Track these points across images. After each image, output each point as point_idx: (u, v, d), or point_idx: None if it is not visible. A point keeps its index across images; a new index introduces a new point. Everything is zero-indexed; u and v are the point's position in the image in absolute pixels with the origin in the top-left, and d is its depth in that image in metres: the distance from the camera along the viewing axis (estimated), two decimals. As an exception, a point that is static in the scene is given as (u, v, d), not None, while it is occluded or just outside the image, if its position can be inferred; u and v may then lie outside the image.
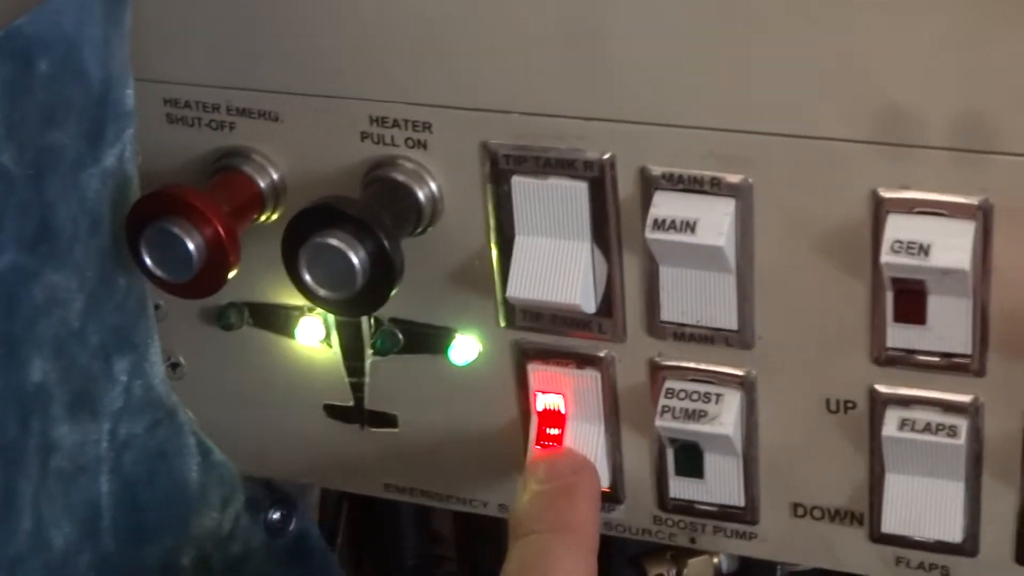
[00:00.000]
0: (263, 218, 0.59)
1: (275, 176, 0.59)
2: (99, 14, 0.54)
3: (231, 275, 0.56)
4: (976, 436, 0.54)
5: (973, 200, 0.50)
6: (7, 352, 0.55)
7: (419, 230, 0.57)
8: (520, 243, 0.56)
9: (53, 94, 0.54)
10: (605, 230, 0.55)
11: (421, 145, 0.56)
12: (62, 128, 0.54)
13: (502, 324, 0.59)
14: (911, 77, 0.49)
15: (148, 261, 0.56)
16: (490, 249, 0.57)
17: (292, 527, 0.69)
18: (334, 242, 0.53)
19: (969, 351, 0.53)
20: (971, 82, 0.49)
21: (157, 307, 0.62)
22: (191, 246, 0.55)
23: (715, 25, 0.51)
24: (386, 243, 0.54)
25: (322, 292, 0.55)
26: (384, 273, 0.54)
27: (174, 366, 0.65)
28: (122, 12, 0.55)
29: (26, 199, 0.54)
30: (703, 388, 0.57)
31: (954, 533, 0.55)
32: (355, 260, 0.53)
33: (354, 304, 0.55)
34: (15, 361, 0.55)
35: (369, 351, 0.62)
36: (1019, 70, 0.48)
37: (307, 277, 0.54)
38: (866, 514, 0.58)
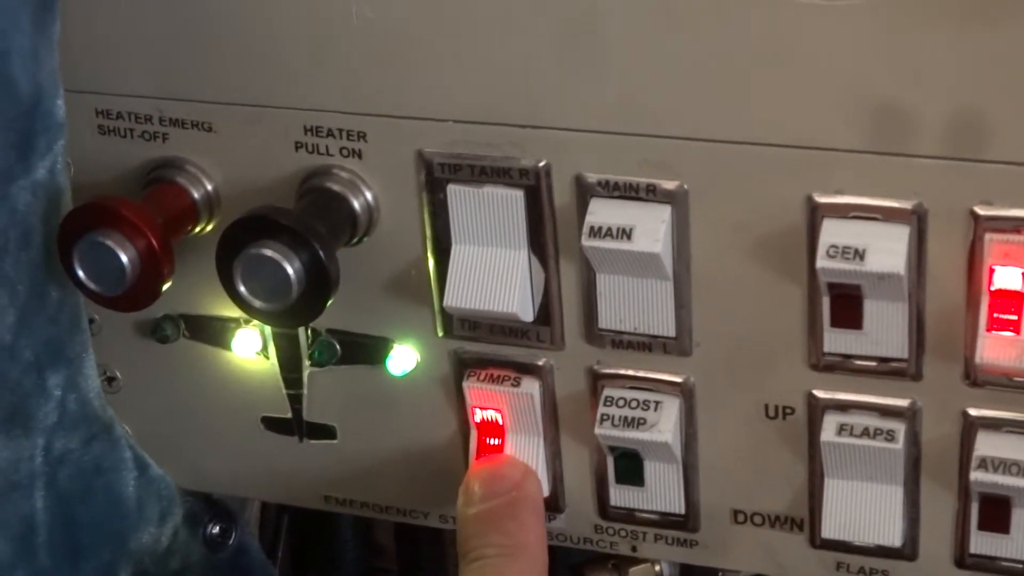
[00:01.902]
0: (197, 229, 0.59)
1: (209, 187, 0.58)
2: (27, 24, 0.54)
3: (165, 287, 0.56)
4: (914, 440, 0.55)
5: (907, 204, 0.51)
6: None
7: (355, 240, 0.57)
8: (457, 252, 0.56)
9: (-20, 105, 0.53)
10: (541, 238, 0.55)
11: (356, 154, 0.56)
12: (-10, 140, 0.54)
13: (440, 334, 0.59)
14: (840, 82, 0.49)
15: (81, 274, 0.55)
16: (426, 258, 0.57)
17: (232, 541, 0.69)
18: (269, 253, 0.53)
19: (906, 355, 0.53)
20: (901, 86, 0.49)
21: (92, 321, 0.61)
22: (124, 258, 0.54)
23: (646, 31, 0.51)
24: (321, 253, 0.53)
25: (257, 303, 0.54)
26: (320, 284, 0.53)
27: (110, 380, 0.64)
28: (51, 22, 0.55)
29: (-45, 212, 0.53)
30: (642, 395, 0.57)
31: (893, 537, 0.56)
32: (290, 271, 0.53)
33: (290, 315, 0.54)
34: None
35: (307, 362, 0.61)
36: (949, 73, 0.48)
37: (242, 288, 0.54)
38: (806, 520, 0.58)
